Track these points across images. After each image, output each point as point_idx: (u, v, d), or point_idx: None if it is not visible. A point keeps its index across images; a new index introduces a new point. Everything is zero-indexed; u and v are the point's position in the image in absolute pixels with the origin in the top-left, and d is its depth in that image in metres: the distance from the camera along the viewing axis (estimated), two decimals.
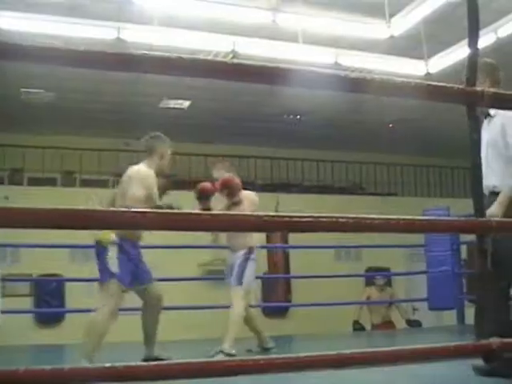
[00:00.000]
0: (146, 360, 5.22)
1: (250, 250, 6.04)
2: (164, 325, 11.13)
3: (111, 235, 5.05)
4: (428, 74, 10.61)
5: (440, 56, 10.51)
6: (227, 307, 9.15)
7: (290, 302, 12.01)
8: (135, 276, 5.23)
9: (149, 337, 5.65)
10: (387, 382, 4.37)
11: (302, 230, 1.63)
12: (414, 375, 4.46)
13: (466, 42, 2.07)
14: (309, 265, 10.74)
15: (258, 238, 6.42)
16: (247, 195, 6.07)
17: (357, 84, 1.42)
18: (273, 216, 1.39)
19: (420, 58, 10.48)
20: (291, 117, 14.26)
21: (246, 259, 5.99)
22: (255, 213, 1.41)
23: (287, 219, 1.42)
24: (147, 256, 11.35)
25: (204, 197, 6.01)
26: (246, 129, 14.78)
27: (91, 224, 1.40)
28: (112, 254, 5.08)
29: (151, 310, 5.63)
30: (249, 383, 4.02)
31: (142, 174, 5.24)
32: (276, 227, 1.60)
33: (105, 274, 5.11)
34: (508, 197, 3.67)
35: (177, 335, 10.03)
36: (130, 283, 5.16)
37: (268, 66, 1.51)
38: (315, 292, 10.29)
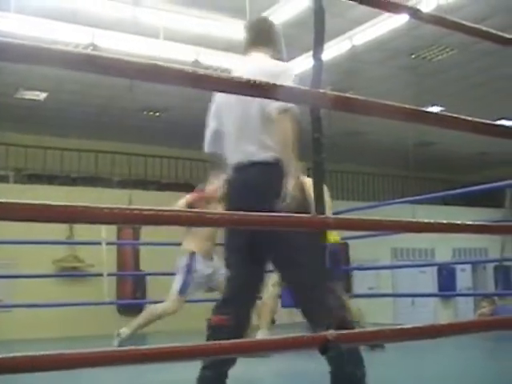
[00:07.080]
0: None
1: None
2: (14, 323, 10.73)
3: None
4: None
5: (299, 59, 10.77)
6: (82, 305, 9.02)
7: (143, 299, 11.88)
8: None
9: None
10: (252, 377, 4.48)
11: (147, 223, 1.63)
12: (276, 371, 4.62)
13: (325, 46, 2.13)
14: (164, 262, 10.67)
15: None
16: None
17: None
18: (112, 208, 1.38)
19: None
20: (150, 113, 14.18)
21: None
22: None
23: (128, 212, 1.41)
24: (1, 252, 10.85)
25: None
26: (102, 123, 14.53)
27: None
28: None
29: None
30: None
31: None
32: (114, 219, 1.59)
33: None
34: None
35: (28, 333, 9.72)
36: None
37: (117, 58, 1.50)
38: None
